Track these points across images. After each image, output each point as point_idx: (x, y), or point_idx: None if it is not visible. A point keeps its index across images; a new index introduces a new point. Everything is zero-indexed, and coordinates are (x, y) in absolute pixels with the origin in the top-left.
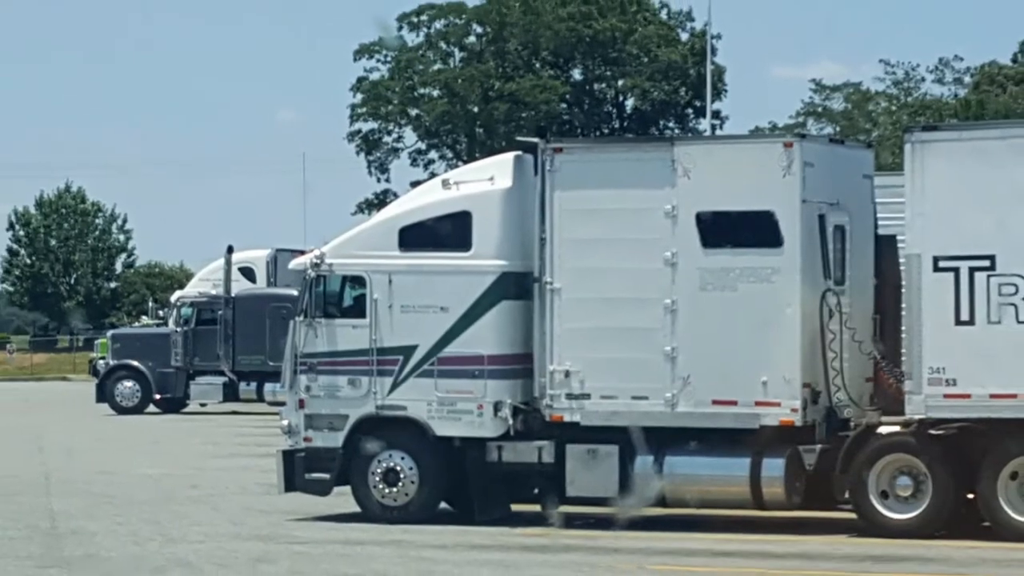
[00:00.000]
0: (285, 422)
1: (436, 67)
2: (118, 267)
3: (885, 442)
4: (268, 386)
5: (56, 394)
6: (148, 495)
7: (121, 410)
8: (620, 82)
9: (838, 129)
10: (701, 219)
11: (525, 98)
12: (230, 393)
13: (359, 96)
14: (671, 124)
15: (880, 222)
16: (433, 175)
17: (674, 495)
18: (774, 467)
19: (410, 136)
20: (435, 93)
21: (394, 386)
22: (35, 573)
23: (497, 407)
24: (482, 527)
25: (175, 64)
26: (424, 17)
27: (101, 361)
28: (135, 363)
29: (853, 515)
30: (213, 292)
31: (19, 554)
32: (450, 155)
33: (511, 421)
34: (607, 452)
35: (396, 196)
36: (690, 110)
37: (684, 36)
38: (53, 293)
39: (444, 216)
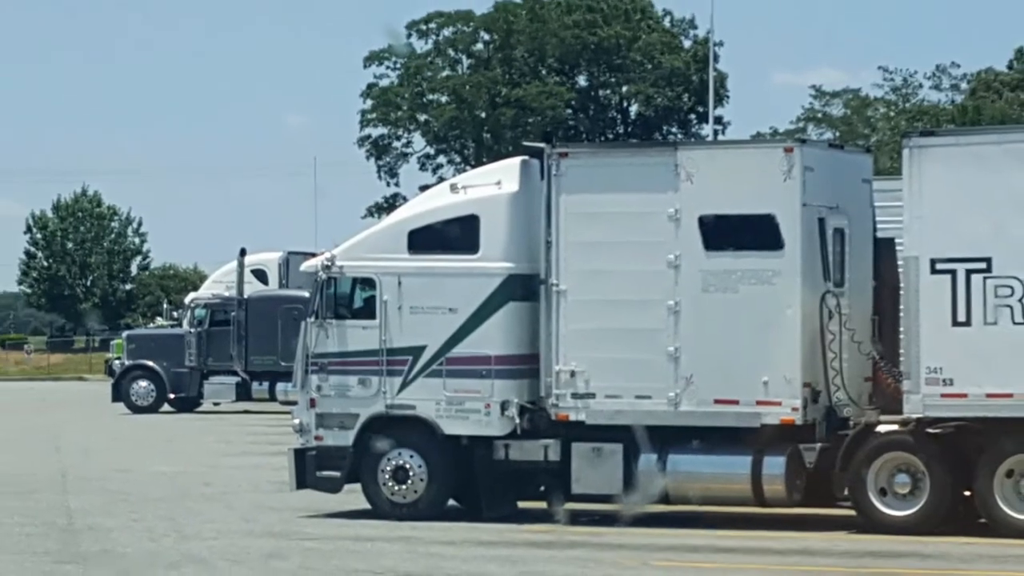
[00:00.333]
0: (297, 421)
1: (444, 74)
2: (133, 269)
3: (884, 440)
4: (280, 386)
5: (73, 393)
6: (163, 492)
7: (136, 409)
8: (624, 88)
9: (837, 134)
10: (704, 222)
11: (531, 104)
12: (243, 393)
13: (369, 102)
14: (674, 129)
15: (879, 225)
16: (441, 179)
17: (677, 492)
18: (775, 465)
19: (419, 141)
20: (443, 99)
21: (403, 386)
22: (52, 568)
23: (504, 406)
24: (489, 524)
25: (189, 71)
26: (433, 25)
27: (117, 361)
28: (150, 363)
29: (852, 512)
30: (226, 294)
31: (36, 550)
32: (458, 160)
33: (518, 420)
34: (612, 450)
35: (405, 200)
36: (693, 116)
37: (687, 43)
38: (70, 295)
39: (452, 219)
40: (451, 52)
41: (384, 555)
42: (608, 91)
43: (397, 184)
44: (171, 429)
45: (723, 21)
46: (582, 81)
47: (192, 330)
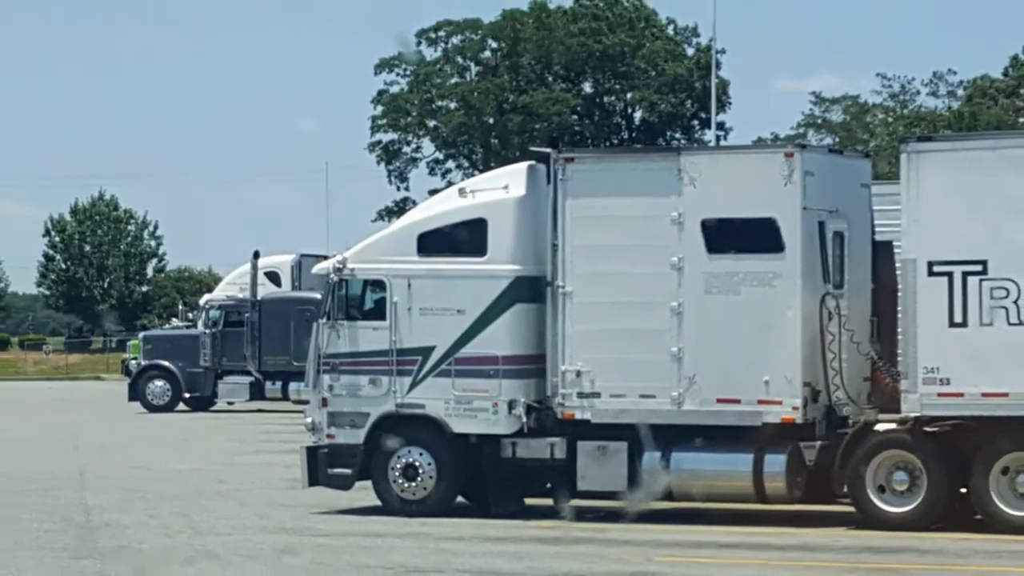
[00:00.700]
0: (309, 420)
1: (453, 81)
2: (149, 272)
3: (882, 439)
4: (293, 385)
5: (90, 393)
6: (178, 490)
7: (152, 408)
8: (629, 95)
9: (837, 140)
10: (706, 226)
11: (538, 110)
12: (256, 392)
13: (380, 108)
14: (677, 135)
15: (877, 229)
16: (450, 184)
17: (680, 489)
18: (776, 463)
19: (428, 146)
20: (452, 105)
21: (413, 385)
22: (70, 564)
23: (511, 405)
24: (497, 520)
25: (204, 79)
26: (442, 33)
27: (133, 361)
28: (166, 363)
29: (851, 508)
30: (240, 295)
31: (55, 546)
32: (466, 165)
33: (525, 419)
34: (616, 448)
35: (415, 204)
36: (696, 122)
37: (690, 51)
38: (87, 296)
39: (461, 223)
40: (460, 59)
41: (394, 550)
42: (613, 97)
43: (407, 188)
44: (186, 428)
45: (725, 29)
46: (587, 88)
47: (207, 331)
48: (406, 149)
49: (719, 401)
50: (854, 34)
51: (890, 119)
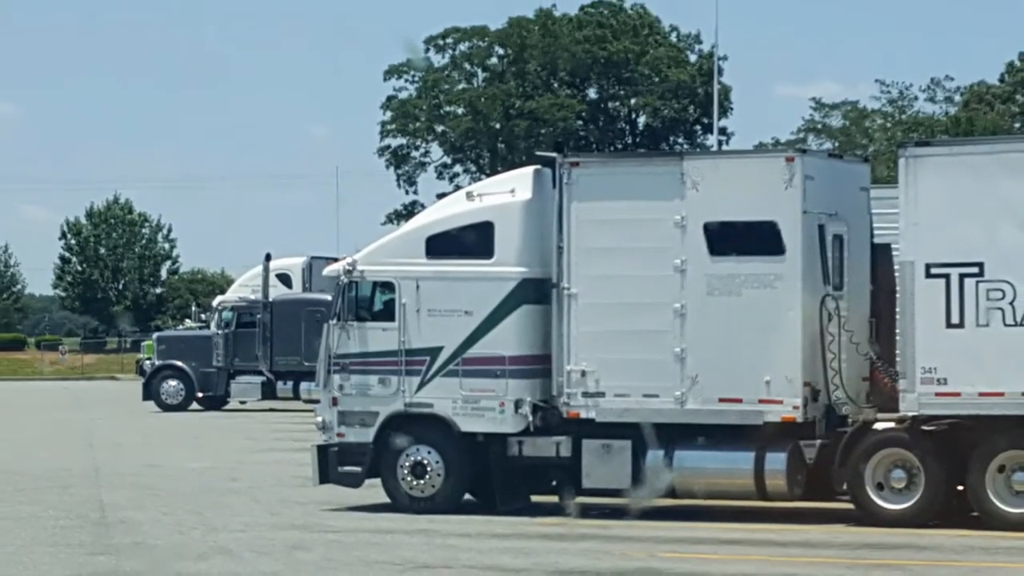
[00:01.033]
0: (319, 419)
1: (461, 86)
2: (163, 274)
3: (881, 437)
4: (304, 385)
5: (105, 392)
6: (191, 487)
7: (166, 407)
8: (633, 101)
9: (837, 144)
10: (708, 229)
11: (544, 116)
12: (268, 391)
13: (389, 113)
14: (680, 140)
15: (876, 231)
16: (458, 188)
17: (683, 487)
18: (777, 461)
19: (436, 151)
20: (460, 111)
21: (421, 385)
22: (86, 560)
23: (518, 404)
24: (504, 517)
25: (216, 85)
26: (449, 40)
27: (147, 361)
28: (179, 363)
29: (851, 506)
30: (252, 297)
31: (71, 542)
32: (474, 169)
33: (531, 417)
34: (621, 447)
35: (423, 207)
36: (698, 127)
37: (693, 57)
38: (102, 298)
39: (468, 226)
40: (467, 66)
41: (403, 547)
42: (617, 103)
43: (415, 192)
44: (199, 427)
45: (727, 36)
46: (592, 94)
47: (219, 332)
48: (415, 154)
49: (721, 400)
50: (854, 41)
51: (888, 124)
